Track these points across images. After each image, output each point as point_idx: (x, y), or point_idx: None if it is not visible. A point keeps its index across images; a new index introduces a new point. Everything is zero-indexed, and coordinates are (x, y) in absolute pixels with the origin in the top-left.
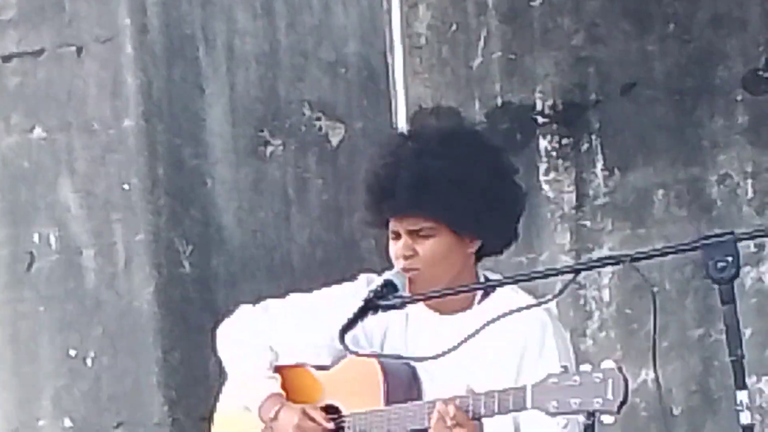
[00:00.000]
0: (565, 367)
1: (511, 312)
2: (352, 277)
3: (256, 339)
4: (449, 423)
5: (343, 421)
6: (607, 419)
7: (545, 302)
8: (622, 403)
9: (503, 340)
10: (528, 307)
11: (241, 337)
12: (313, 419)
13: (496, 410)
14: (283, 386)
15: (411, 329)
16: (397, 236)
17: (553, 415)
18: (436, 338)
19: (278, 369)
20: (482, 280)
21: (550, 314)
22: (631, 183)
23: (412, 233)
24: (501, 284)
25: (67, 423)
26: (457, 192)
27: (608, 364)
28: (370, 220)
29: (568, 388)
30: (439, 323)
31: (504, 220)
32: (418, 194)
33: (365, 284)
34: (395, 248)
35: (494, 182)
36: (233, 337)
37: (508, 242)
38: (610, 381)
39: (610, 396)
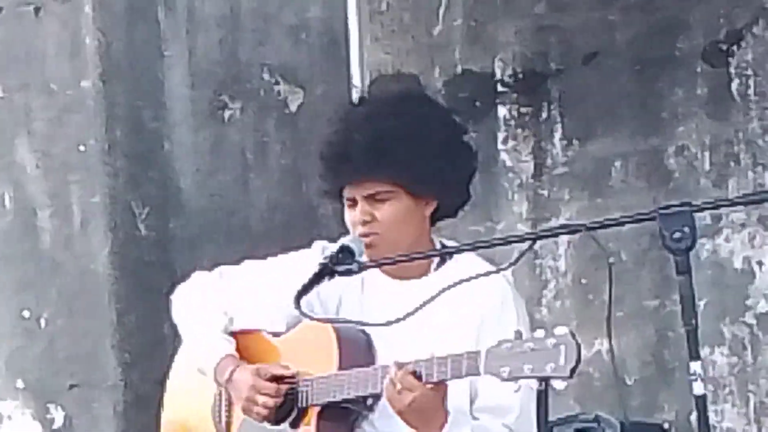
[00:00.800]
0: (518, 332)
1: (470, 279)
2: (309, 244)
3: (211, 304)
4: (398, 387)
5: (297, 385)
6: (559, 385)
7: (503, 269)
8: (574, 368)
9: (462, 307)
10: (487, 273)
11: (196, 302)
12: (266, 377)
13: (448, 375)
14: (238, 351)
15: (367, 295)
16: (353, 203)
17: (506, 380)
18: (392, 304)
19: (233, 335)
20: (438, 247)
21: (508, 280)
22: (589, 153)
23: (368, 198)
24: (459, 251)
25: (20, 384)
26: (411, 152)
27: (561, 330)
28: (327, 189)
29: (520, 354)
30: (396, 289)
31: (459, 179)
32: (372, 157)
33: (320, 251)
34: (352, 215)
35: (447, 141)
36: (188, 302)
37: (462, 202)
38: (562, 347)
39: (562, 361)
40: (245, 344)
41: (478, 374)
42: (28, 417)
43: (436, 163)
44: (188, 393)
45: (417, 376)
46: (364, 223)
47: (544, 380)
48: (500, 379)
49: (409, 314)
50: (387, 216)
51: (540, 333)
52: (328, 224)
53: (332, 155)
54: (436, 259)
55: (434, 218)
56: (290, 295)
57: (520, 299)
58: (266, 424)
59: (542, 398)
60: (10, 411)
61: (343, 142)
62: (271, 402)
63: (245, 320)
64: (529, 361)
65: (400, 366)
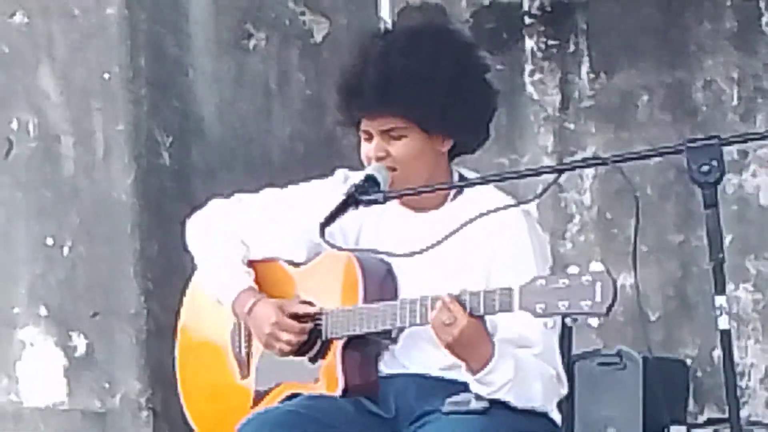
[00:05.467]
0: (552, 269)
1: (489, 212)
2: (330, 174)
3: (229, 233)
4: (445, 319)
5: (319, 319)
6: (594, 322)
7: (524, 203)
8: (611, 305)
9: (479, 239)
10: (506, 207)
11: (213, 230)
12: (290, 315)
13: (481, 311)
14: (256, 281)
15: (385, 226)
16: (369, 137)
17: (540, 316)
18: (410, 235)
19: (250, 263)
20: (456, 178)
21: (528, 214)
22: (616, 86)
23: (383, 134)
24: (479, 183)
25: (43, 311)
26: (424, 89)
27: (596, 266)
28: (342, 120)
29: (555, 290)
30: (413, 220)
31: (474, 118)
32: (384, 92)
33: (342, 180)
34: (367, 149)
35: (462, 79)
36: (205, 229)
37: (480, 141)
38: (598, 284)
39: (598, 299)
40: (263, 273)
41: (512, 310)
42: (51, 344)
43: (448, 100)
44: (204, 322)
45: (462, 305)
46: (378, 158)
47: (579, 317)
48: (535, 316)
49: (434, 245)
50: (401, 153)
51: (575, 269)
52: (350, 155)
53: (347, 88)
54: (453, 190)
55: (452, 153)
56: (311, 224)
57: (541, 234)
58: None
59: (567, 332)
60: (32, 338)
61: (358, 75)
62: (294, 339)
63: (263, 249)
64: (564, 297)
65: (447, 299)
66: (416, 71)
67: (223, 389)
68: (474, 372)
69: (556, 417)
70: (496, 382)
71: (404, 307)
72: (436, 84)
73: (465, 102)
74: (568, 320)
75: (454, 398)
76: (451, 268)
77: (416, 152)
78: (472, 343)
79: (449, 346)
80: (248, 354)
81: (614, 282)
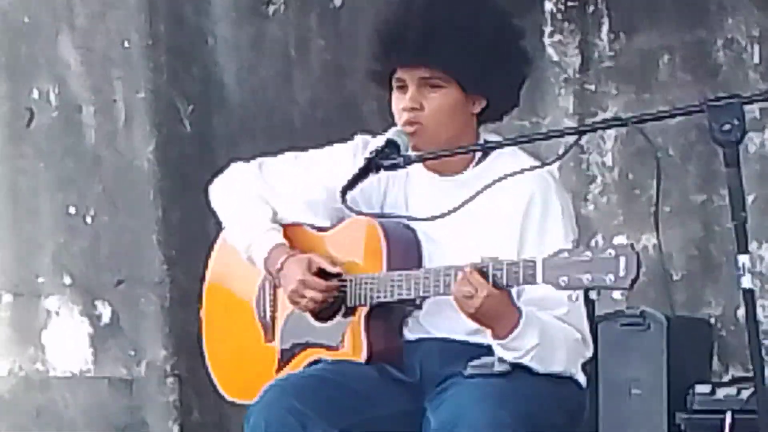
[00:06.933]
0: (575, 241)
1: (514, 173)
2: (351, 138)
3: (254, 193)
4: (466, 290)
5: (345, 284)
6: (617, 295)
7: (547, 164)
8: (635, 279)
9: (506, 201)
10: (531, 168)
11: (238, 192)
12: (316, 272)
13: (504, 283)
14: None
15: (410, 190)
16: (403, 87)
17: (564, 289)
18: (435, 199)
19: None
20: (481, 141)
21: (553, 176)
22: (636, 46)
23: (421, 82)
24: (506, 144)
25: (67, 280)
26: (467, 44)
27: (621, 240)
28: (377, 70)
29: (579, 263)
30: (438, 184)
31: (510, 81)
32: (428, 42)
33: (362, 145)
34: (401, 100)
35: (502, 41)
36: (230, 191)
37: (511, 105)
38: (623, 258)
39: (622, 273)
40: (288, 236)
41: (535, 283)
42: (76, 313)
43: (488, 58)
44: (231, 284)
45: (485, 276)
46: (412, 110)
47: (603, 291)
48: (558, 289)
49: (456, 208)
50: (434, 106)
51: (599, 242)
52: (370, 120)
53: (389, 35)
54: (478, 154)
55: (481, 118)
56: (333, 189)
57: (566, 195)
58: (312, 320)
59: (591, 305)
60: (57, 307)
61: (402, 22)
62: (319, 296)
63: (287, 213)
64: (588, 270)
65: (468, 269)
66: (461, 24)
67: (248, 352)
68: (500, 338)
69: (581, 379)
70: (522, 347)
71: (428, 276)
72: (479, 42)
73: (503, 63)
74: (591, 294)
75: (476, 362)
76: (480, 233)
77: (450, 108)
78: (496, 313)
79: (472, 316)
80: (273, 318)
81: (638, 255)
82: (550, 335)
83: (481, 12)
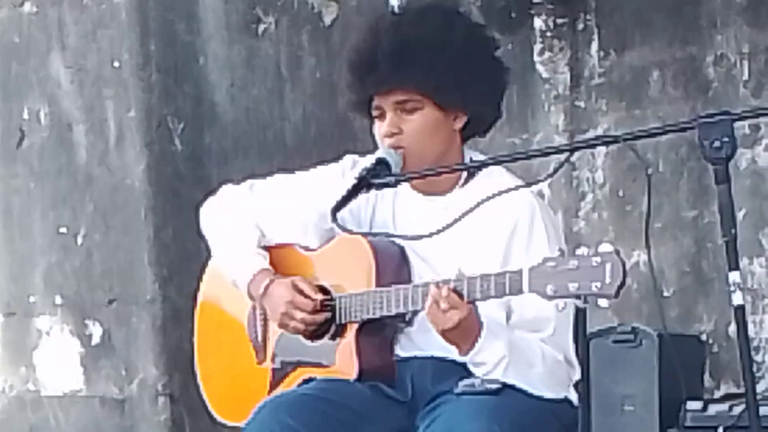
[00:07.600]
0: (561, 251)
1: (501, 193)
2: (342, 157)
3: (243, 217)
4: (443, 306)
5: (333, 302)
6: (603, 303)
7: (535, 183)
8: (620, 286)
9: (492, 221)
10: (517, 188)
11: (227, 215)
12: (303, 293)
13: (492, 293)
14: (272, 266)
15: (397, 210)
16: (382, 115)
17: (550, 298)
18: (422, 219)
19: (265, 249)
20: (468, 161)
21: (538, 196)
22: (627, 63)
23: (397, 108)
24: (494, 163)
25: (59, 300)
26: (437, 61)
27: (606, 247)
28: (355, 100)
29: (565, 272)
30: (424, 204)
31: (487, 93)
32: (398, 63)
33: (351, 164)
34: (380, 127)
35: (475, 53)
36: (218, 214)
37: (493, 119)
38: (608, 265)
39: (608, 280)
40: (278, 259)
41: (522, 292)
42: (67, 333)
43: (462, 73)
44: (222, 305)
45: (459, 294)
46: (392, 134)
47: (589, 298)
48: (545, 298)
49: (446, 227)
50: (414, 128)
51: (584, 250)
52: (362, 138)
53: (360, 63)
54: (464, 174)
55: (465, 134)
56: (323, 209)
57: (552, 214)
58: (303, 340)
59: (581, 315)
60: (48, 327)
61: (371, 50)
62: (309, 318)
63: (277, 235)
64: (573, 279)
65: (444, 284)
66: (429, 41)
67: (241, 373)
68: (466, 354)
69: (573, 398)
70: (488, 360)
71: (417, 290)
72: (449, 55)
73: (478, 74)
74: (578, 302)
75: (467, 380)
76: (467, 252)
77: (430, 128)
78: (465, 329)
79: (442, 333)
80: (264, 338)
81: (623, 262)
82: (520, 348)
83: (450, 26)
